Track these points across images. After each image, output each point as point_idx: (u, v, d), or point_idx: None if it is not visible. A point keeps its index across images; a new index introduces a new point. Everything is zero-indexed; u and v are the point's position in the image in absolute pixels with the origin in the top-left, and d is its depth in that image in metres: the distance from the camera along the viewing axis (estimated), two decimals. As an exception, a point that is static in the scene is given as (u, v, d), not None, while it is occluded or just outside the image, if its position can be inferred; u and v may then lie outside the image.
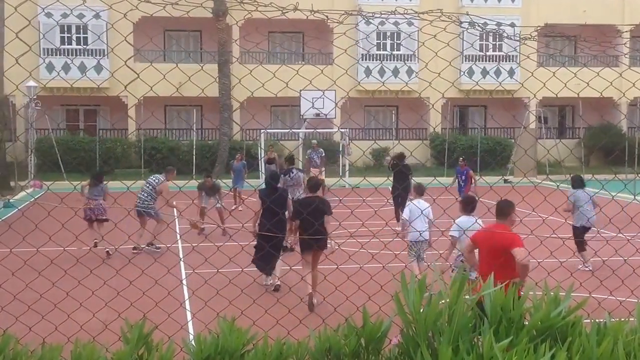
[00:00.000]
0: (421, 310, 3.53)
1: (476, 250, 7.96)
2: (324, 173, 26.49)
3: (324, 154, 28.31)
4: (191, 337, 3.76)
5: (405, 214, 11.07)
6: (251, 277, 6.46)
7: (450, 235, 9.92)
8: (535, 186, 6.23)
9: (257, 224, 12.33)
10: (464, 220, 9.69)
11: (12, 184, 28.97)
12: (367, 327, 3.77)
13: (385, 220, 7.06)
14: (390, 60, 40.07)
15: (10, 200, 24.44)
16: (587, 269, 13.25)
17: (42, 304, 5.90)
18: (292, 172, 18.11)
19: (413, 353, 3.50)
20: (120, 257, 6.11)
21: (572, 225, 13.79)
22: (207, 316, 5.22)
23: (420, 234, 10.71)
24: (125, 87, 6.20)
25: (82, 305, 5.80)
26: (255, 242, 11.83)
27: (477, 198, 10.61)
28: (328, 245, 10.93)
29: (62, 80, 33.49)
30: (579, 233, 13.74)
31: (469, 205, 10.05)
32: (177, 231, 18.66)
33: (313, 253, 10.86)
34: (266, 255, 11.46)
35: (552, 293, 3.70)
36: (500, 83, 37.84)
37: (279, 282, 11.44)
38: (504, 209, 7.72)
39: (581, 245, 13.73)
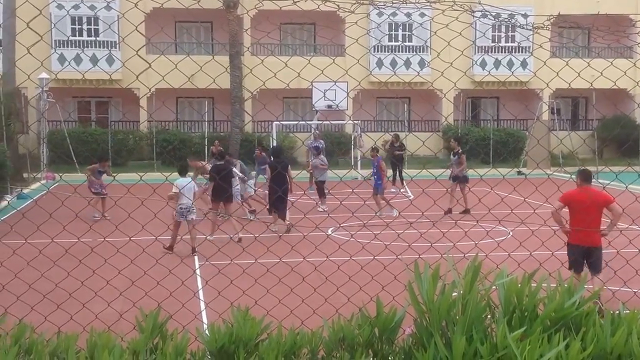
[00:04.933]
0: (434, 300, 3.53)
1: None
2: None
3: (323, 145, 28.37)
4: (205, 326, 3.77)
5: (175, 189, 14.88)
6: (265, 267, 6.47)
7: (173, 192, 14.68)
8: (549, 176, 6.21)
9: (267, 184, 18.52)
10: (180, 181, 14.99)
11: (24, 175, 29.08)
12: (380, 317, 3.77)
13: (399, 210, 7.05)
14: (402, 51, 39.93)
15: (24, 192, 24.54)
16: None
17: (57, 293, 5.93)
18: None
19: (427, 343, 3.50)
20: (135, 248, 6.14)
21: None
22: (221, 306, 5.24)
23: (185, 207, 14.87)
24: (137, 77, 6.22)
25: (97, 294, 5.82)
26: (268, 197, 18.24)
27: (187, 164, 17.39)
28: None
29: (74, 71, 33.56)
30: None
31: (183, 171, 15.53)
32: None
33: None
34: (278, 200, 17.49)
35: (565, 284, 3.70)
36: (512, 73, 37.68)
37: (289, 223, 17.24)
38: (589, 176, 10.26)
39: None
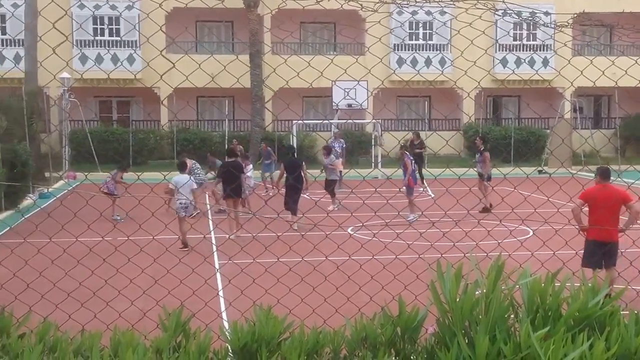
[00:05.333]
0: (457, 300, 3.52)
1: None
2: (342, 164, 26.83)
3: (345, 145, 28.25)
4: (227, 325, 3.79)
5: (172, 185, 15.57)
6: (287, 266, 6.49)
7: (170, 187, 15.64)
8: (573, 175, 6.17)
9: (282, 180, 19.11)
10: (178, 178, 15.43)
11: (46, 174, 29.32)
12: (403, 316, 3.76)
13: (421, 210, 7.06)
14: (424, 49, 39.80)
15: (49, 190, 24.73)
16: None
17: (81, 292, 5.97)
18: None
19: (449, 342, 3.49)
20: (157, 246, 6.18)
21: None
22: (243, 305, 5.26)
23: (182, 200, 15.26)
24: (161, 77, 6.25)
25: (120, 293, 5.86)
26: (285, 193, 18.33)
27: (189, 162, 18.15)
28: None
29: (95, 71, 33.73)
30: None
31: (183, 168, 16.16)
32: (210, 220, 18.78)
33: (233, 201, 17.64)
34: (295, 199, 17.98)
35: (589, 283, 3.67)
36: (537, 71, 37.39)
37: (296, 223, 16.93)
38: (608, 173, 10.52)
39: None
